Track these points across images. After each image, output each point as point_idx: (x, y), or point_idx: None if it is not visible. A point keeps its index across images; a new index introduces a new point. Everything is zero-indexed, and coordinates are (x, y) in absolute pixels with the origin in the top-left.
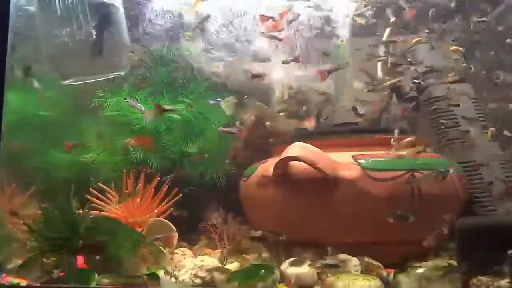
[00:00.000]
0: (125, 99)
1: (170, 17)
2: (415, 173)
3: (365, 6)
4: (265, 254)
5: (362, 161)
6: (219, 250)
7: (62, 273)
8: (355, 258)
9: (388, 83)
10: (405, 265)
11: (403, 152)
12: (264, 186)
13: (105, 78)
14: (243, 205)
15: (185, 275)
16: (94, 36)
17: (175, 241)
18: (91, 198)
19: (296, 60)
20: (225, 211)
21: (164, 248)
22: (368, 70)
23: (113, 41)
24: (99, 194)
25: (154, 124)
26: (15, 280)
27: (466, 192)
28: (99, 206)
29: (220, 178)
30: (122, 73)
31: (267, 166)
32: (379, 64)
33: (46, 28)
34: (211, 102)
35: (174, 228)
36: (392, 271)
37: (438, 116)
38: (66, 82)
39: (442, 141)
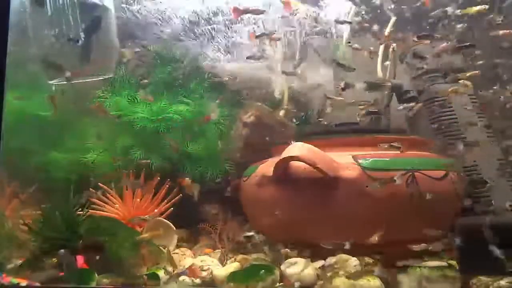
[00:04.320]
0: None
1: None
2: (414, 173)
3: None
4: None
5: (362, 161)
6: (219, 250)
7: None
8: (355, 258)
9: None
10: (405, 265)
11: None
12: (264, 186)
13: (92, 80)
14: (243, 205)
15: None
16: (83, 39)
17: (175, 241)
18: (91, 198)
19: None
20: (224, 211)
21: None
22: None
23: (101, 44)
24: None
25: (155, 124)
26: (15, 280)
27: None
28: (99, 207)
29: (220, 178)
30: (109, 76)
31: (267, 166)
32: (379, 63)
33: (37, 27)
34: None
35: (174, 228)
36: None
37: (438, 116)
38: (52, 82)
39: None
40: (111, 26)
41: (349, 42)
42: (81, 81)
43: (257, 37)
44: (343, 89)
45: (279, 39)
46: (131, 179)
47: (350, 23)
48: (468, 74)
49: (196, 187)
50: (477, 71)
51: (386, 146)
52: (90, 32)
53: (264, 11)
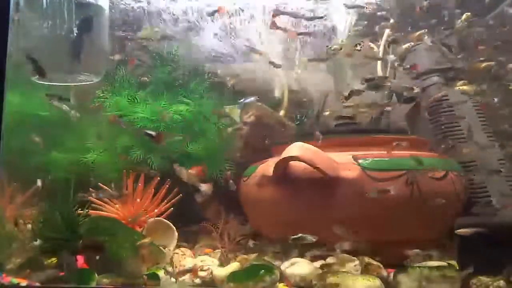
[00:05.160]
0: None
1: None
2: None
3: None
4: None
5: (362, 161)
6: (219, 250)
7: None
8: (355, 258)
9: None
10: (405, 265)
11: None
12: (264, 186)
13: (77, 83)
14: (243, 205)
15: (185, 275)
16: (75, 35)
17: (174, 241)
18: (91, 198)
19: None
20: (225, 211)
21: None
22: None
23: (91, 46)
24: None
25: (154, 124)
26: (15, 280)
27: (466, 192)
28: (99, 207)
29: (220, 177)
30: (95, 81)
31: (267, 166)
32: (379, 64)
33: (29, 20)
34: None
35: (174, 228)
36: (392, 271)
37: (438, 116)
38: (35, 78)
39: (442, 141)
40: (104, 27)
41: (327, 46)
42: (63, 83)
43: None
44: (346, 98)
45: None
46: (130, 180)
47: (322, 17)
48: (483, 65)
49: (194, 179)
50: (492, 62)
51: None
52: (81, 31)
53: (304, 15)
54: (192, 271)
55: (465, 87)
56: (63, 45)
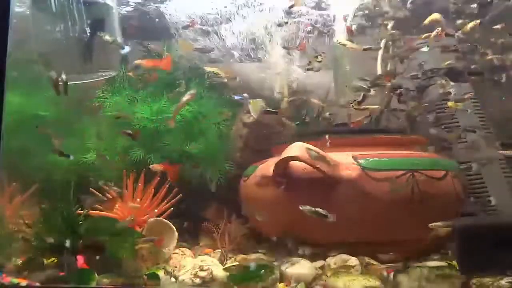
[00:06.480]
0: None
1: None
2: (414, 173)
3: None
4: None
5: (362, 161)
6: (219, 250)
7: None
8: (355, 258)
9: None
10: (405, 265)
11: None
12: (264, 186)
13: (95, 79)
14: (243, 205)
15: (185, 275)
16: (88, 34)
17: (174, 241)
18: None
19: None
20: (227, 211)
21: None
22: None
23: (104, 43)
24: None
25: (154, 124)
26: (15, 280)
27: (466, 192)
28: (99, 206)
29: (220, 177)
30: (112, 74)
31: (267, 166)
32: (378, 63)
33: (39, 24)
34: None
35: (174, 228)
36: (392, 271)
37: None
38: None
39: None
40: (113, 24)
41: (337, 41)
42: (82, 81)
43: None
44: (360, 102)
45: None
46: (130, 180)
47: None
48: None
49: None
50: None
51: None
52: (92, 32)
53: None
54: None
55: (450, 103)
56: (74, 46)
